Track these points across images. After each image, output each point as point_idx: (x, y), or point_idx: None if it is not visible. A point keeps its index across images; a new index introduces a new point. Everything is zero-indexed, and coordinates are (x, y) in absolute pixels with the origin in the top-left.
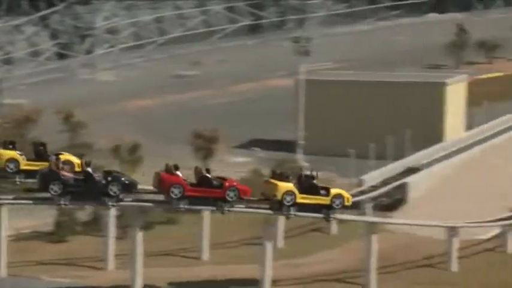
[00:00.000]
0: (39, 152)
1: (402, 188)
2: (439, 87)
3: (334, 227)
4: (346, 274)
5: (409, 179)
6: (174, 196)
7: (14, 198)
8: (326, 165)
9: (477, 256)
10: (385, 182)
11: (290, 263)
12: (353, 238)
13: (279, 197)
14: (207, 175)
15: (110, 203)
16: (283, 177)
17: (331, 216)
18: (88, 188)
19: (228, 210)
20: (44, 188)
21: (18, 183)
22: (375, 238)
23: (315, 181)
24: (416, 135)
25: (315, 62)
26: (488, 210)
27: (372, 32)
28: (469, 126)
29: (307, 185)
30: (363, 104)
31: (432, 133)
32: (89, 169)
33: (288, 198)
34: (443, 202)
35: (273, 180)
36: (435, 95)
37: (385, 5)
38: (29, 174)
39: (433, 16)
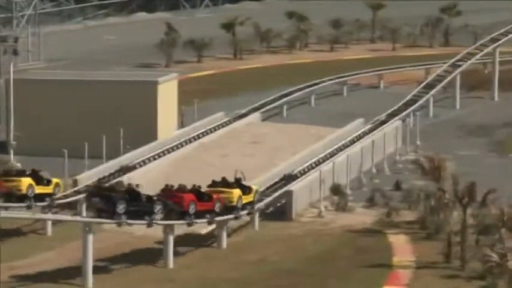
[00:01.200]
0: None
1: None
2: (151, 86)
3: (49, 228)
4: (63, 275)
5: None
6: None
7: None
8: (39, 165)
9: (195, 252)
10: (99, 180)
11: (6, 266)
12: (70, 239)
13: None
14: None
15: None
16: None
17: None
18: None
19: None
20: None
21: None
22: (91, 238)
23: None
24: (130, 134)
25: (25, 62)
26: None
27: (81, 31)
28: (182, 124)
29: None
30: (76, 103)
31: (146, 132)
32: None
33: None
34: None
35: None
36: (147, 93)
37: (93, 3)
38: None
39: (141, 15)
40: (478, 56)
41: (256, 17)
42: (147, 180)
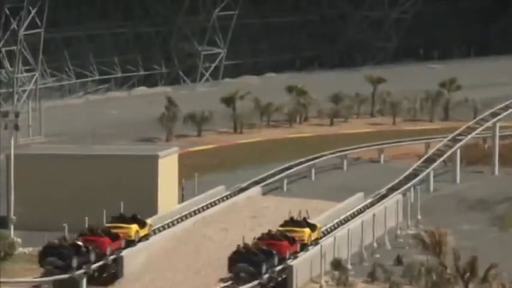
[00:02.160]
0: None
1: (117, 261)
2: (152, 160)
3: None
4: None
5: (124, 253)
6: None
7: None
8: (37, 240)
9: None
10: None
11: None
12: None
13: None
14: None
15: None
16: None
17: None
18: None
19: None
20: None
21: None
22: None
23: None
24: (131, 208)
25: (26, 137)
26: (205, 279)
27: (82, 105)
28: (182, 198)
29: None
30: (77, 178)
31: (146, 206)
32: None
33: None
34: (161, 274)
35: None
36: (148, 167)
37: (94, 78)
38: None
39: (142, 89)
40: (478, 131)
41: (256, 92)
42: (148, 254)
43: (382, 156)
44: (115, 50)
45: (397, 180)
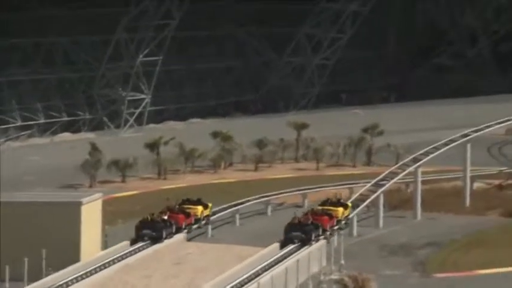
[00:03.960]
0: None
1: None
2: (74, 207)
3: None
4: None
5: None
6: None
7: None
8: None
9: None
10: None
11: None
12: None
13: None
14: None
15: None
16: None
17: None
18: None
19: None
20: None
21: None
22: None
23: None
24: (53, 256)
25: None
26: None
27: (3, 152)
28: (105, 245)
29: None
30: None
31: (69, 253)
32: None
33: None
34: None
35: None
36: (70, 214)
37: (16, 125)
38: None
39: (65, 135)
40: (400, 176)
41: (180, 137)
42: None
43: (306, 202)
44: (37, 96)
45: None
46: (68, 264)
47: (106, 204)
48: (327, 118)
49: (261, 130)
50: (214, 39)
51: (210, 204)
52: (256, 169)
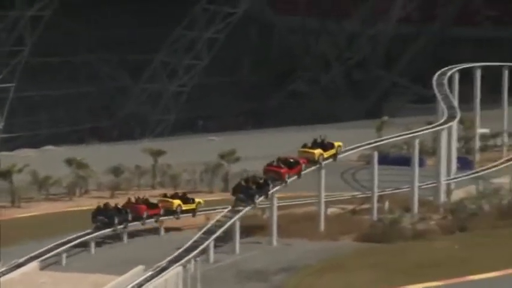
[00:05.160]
0: None
1: None
2: None
3: None
4: None
5: None
6: None
7: None
8: None
9: None
10: None
11: None
12: None
13: None
14: None
15: None
16: None
17: None
18: None
19: None
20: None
21: None
22: None
23: None
24: None
25: None
26: None
27: None
28: None
29: None
30: None
31: None
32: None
33: None
34: None
35: None
36: None
37: None
38: None
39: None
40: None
41: (34, 164)
42: None
43: (162, 229)
44: None
45: (177, 253)
46: None
47: None
48: (183, 145)
49: (116, 157)
50: (69, 65)
51: (197, 200)
52: (112, 196)
